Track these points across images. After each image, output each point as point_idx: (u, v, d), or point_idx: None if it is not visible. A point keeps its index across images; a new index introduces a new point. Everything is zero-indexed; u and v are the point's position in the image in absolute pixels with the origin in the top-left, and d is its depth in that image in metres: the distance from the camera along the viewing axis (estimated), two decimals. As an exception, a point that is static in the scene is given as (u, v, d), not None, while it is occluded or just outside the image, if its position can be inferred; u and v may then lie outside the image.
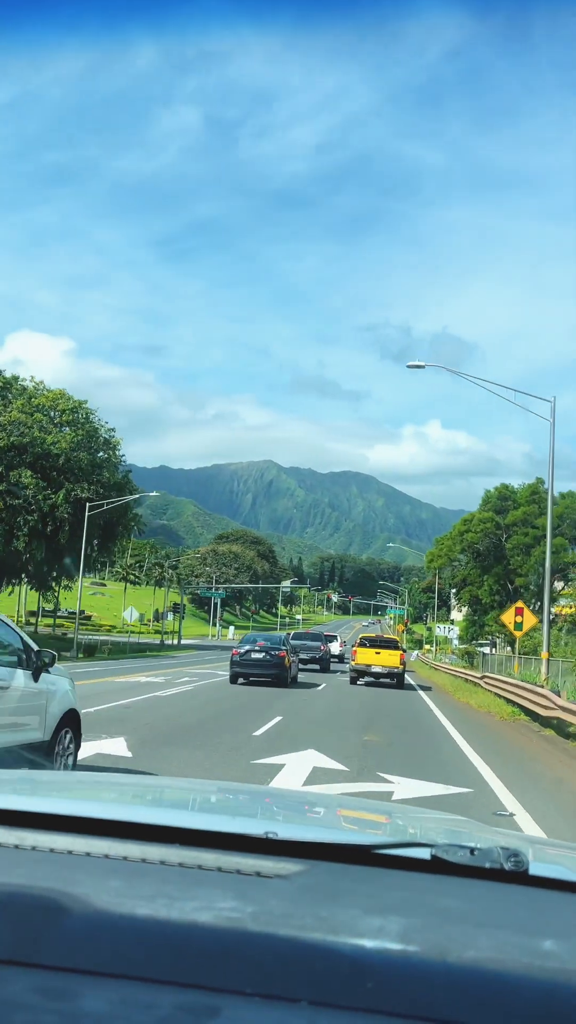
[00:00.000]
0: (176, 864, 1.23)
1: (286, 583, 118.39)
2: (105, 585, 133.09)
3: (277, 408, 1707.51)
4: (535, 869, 1.29)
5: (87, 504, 47.16)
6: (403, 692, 29.33)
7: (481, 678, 30.91)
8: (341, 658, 51.49)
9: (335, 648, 50.67)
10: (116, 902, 1.07)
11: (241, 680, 27.46)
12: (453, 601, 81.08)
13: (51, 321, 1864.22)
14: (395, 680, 30.58)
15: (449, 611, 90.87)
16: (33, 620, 72.31)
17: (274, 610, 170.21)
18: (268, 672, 26.98)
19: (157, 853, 1.26)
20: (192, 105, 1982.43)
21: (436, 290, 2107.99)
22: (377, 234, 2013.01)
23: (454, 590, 71.66)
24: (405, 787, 9.76)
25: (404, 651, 35.07)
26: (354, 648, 31.73)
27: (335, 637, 56.02)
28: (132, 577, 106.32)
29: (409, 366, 26.22)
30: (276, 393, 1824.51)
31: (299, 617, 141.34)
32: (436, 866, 1.28)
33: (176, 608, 77.78)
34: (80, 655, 44.22)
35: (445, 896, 1.19)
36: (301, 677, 31.49)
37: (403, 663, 31.25)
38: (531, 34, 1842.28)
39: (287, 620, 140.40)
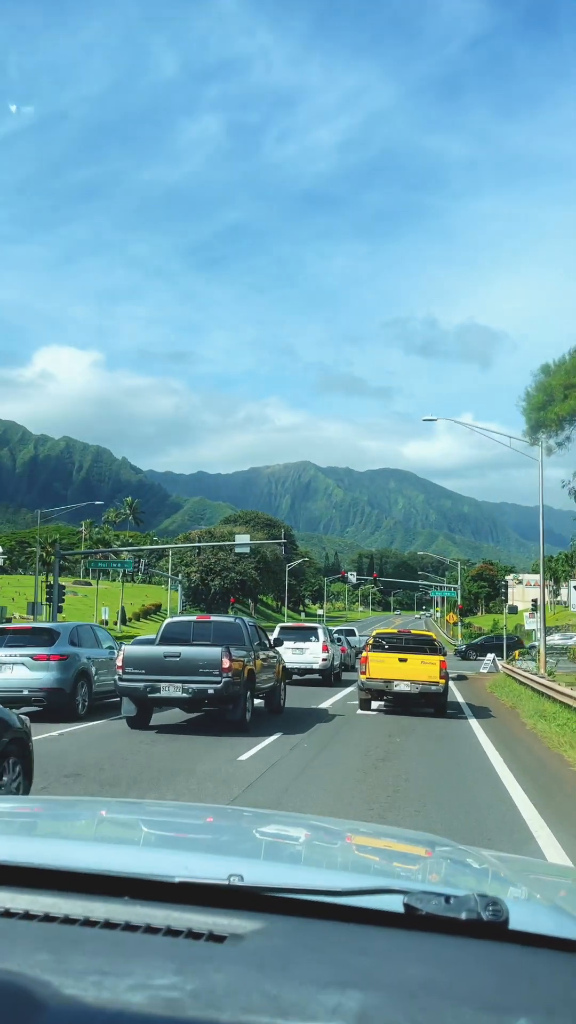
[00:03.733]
0: (122, 923, 1.12)
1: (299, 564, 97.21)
2: (90, 584, 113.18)
3: (308, 409, 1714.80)
4: (517, 919, 1.15)
5: None
6: (450, 729, 14.78)
7: None
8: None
9: (354, 640, 35.38)
10: (41, 984, 0.95)
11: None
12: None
13: (85, 334, 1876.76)
14: (432, 703, 17.39)
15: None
16: None
17: (301, 607, 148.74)
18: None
19: (103, 911, 1.15)
20: (215, 113, 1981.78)
21: (463, 281, 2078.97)
22: (405, 229, 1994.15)
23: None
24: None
25: (445, 655, 19.93)
26: (364, 653, 18.37)
27: (352, 631, 38.25)
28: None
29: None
30: (305, 394, 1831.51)
31: (320, 612, 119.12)
32: (408, 918, 1.15)
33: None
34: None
35: (414, 960, 1.08)
36: (294, 697, 18.52)
37: (444, 675, 17.58)
38: (555, 18, 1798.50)
39: (324, 617, 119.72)
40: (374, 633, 20.15)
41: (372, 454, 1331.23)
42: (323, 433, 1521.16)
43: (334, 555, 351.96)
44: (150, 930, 1.11)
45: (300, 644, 24.24)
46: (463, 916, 1.13)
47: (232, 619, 13.90)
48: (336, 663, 26.15)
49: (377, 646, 18.69)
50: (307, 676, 24.90)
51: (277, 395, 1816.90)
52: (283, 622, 27.67)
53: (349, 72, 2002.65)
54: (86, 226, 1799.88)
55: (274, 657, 15.31)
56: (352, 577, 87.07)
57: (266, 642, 14.99)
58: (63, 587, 46.81)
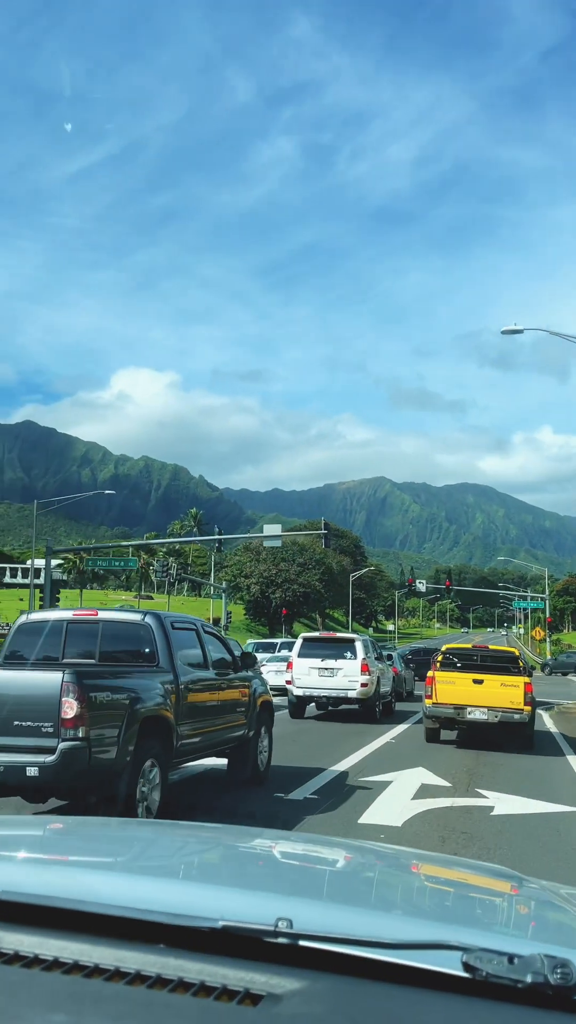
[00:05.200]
0: (153, 977, 1.03)
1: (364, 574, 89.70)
2: (152, 598, 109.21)
3: (381, 424, 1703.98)
4: None
5: None
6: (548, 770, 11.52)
7: None
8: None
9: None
10: None
11: None
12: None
13: (162, 356, 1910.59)
14: (515, 734, 14.34)
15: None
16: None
17: (374, 622, 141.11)
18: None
19: (135, 961, 1.06)
20: (288, 134, 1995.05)
21: (539, 292, 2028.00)
22: (479, 242, 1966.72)
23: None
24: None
25: (531, 675, 15.82)
26: (430, 673, 14.98)
27: (433, 651, 29.23)
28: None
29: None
30: (377, 409, 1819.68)
31: (391, 628, 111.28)
32: (466, 982, 1.02)
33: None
34: None
35: None
36: (309, 743, 14.05)
37: (530, 701, 14.24)
38: None
39: (395, 633, 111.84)
40: (444, 648, 16.75)
41: (448, 468, 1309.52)
42: (397, 448, 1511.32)
43: (410, 570, 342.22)
44: (182, 985, 1.02)
45: (329, 663, 17.84)
46: (528, 980, 0.99)
47: (140, 616, 7.58)
48: (385, 689, 19.48)
49: (447, 664, 15.66)
50: (341, 707, 18.56)
51: (350, 411, 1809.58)
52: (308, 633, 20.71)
53: (421, 87, 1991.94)
54: (163, 250, 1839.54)
55: (242, 684, 9.06)
56: (421, 586, 79.56)
57: (224, 656, 8.82)
58: (55, 592, 41.67)
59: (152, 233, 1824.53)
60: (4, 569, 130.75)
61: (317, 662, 17.79)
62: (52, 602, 31.19)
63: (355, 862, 2.02)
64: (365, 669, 17.65)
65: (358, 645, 18.22)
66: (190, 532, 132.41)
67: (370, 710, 18.04)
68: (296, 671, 18.01)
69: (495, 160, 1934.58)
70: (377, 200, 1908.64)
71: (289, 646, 29.09)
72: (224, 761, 9.16)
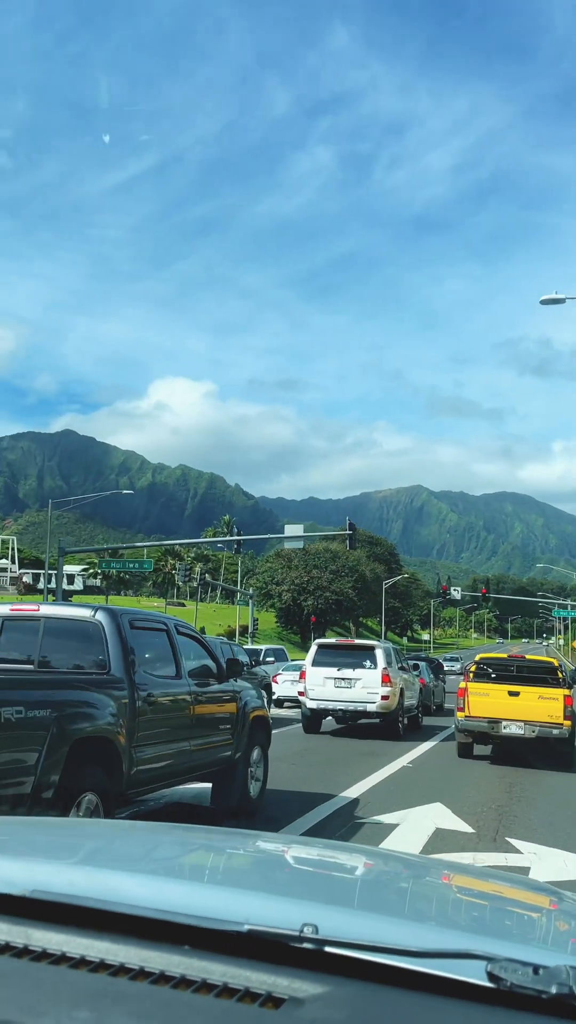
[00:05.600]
0: (177, 977, 1.04)
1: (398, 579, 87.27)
2: (184, 605, 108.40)
3: (417, 432, 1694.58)
4: None
5: None
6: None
7: None
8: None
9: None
10: None
11: None
12: None
13: (199, 366, 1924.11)
14: (554, 748, 13.36)
15: None
16: None
17: (409, 631, 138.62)
18: None
19: (160, 961, 1.07)
20: (326, 144, 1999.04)
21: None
22: (518, 249, 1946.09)
23: None
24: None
25: (571, 687, 14.60)
26: (462, 684, 14.22)
27: (457, 659, 28.17)
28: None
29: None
30: (414, 417, 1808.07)
31: (426, 637, 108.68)
32: (492, 991, 1.02)
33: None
34: None
35: None
36: (321, 759, 13.07)
37: (571, 715, 13.20)
38: None
39: (432, 643, 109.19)
40: (476, 658, 15.79)
41: (486, 477, 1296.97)
42: (434, 457, 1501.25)
43: (446, 579, 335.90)
44: (205, 986, 1.03)
45: (347, 673, 16.31)
46: (553, 991, 0.97)
47: (90, 612, 6.10)
48: (410, 702, 17.98)
49: (480, 675, 14.81)
50: (361, 721, 17.06)
51: (385, 419, 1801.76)
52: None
53: (460, 95, 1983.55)
54: (201, 261, 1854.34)
55: (228, 696, 7.68)
56: (456, 593, 77.30)
57: (206, 663, 7.45)
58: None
59: (191, 243, 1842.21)
60: (38, 575, 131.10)
61: (333, 671, 16.29)
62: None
63: (381, 870, 2.01)
64: (386, 680, 16.08)
65: (378, 653, 16.58)
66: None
67: (392, 725, 16.48)
68: (310, 681, 16.53)
69: (535, 166, 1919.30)
70: (415, 208, 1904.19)
71: (275, 653, 27.55)
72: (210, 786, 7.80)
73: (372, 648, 16.86)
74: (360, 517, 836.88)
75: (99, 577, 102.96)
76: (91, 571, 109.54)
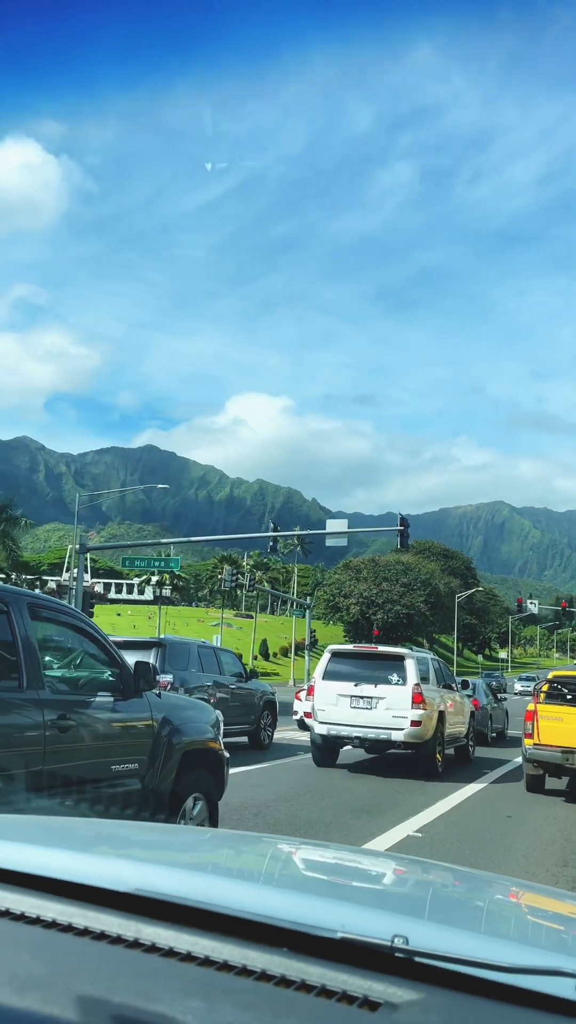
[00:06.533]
0: (277, 977, 1.08)
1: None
2: (251, 616, 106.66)
3: (497, 447, 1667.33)
4: None
5: None
6: None
7: None
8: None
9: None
10: None
11: None
12: None
13: (276, 381, 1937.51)
14: None
15: None
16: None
17: (487, 649, 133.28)
18: None
19: (261, 961, 1.11)
20: (407, 160, 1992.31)
21: None
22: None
23: None
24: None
25: None
26: (531, 706, 12.28)
27: (532, 679, 26.05)
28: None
29: None
30: (494, 432, 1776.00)
31: (503, 656, 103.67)
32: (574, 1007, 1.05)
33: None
34: None
35: None
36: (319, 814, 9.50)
37: None
38: None
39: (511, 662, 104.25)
40: (550, 676, 14.05)
41: (570, 493, 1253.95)
42: (515, 472, 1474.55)
43: (527, 597, 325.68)
44: (304, 987, 1.06)
45: (366, 689, 12.86)
46: None
47: None
48: (456, 728, 14.61)
49: (553, 695, 13.22)
50: (390, 752, 14.15)
51: (465, 434, 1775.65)
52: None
53: (546, 106, 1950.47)
54: (281, 278, 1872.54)
55: (131, 719, 5.15)
56: (533, 607, 73.19)
57: (101, 670, 5.12)
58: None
59: (271, 261, 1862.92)
60: (109, 585, 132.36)
61: (349, 687, 12.89)
62: (86, 608, 28.18)
63: (467, 887, 2.07)
64: (418, 700, 12.55)
65: (408, 665, 12.86)
66: (292, 551, 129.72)
67: (428, 759, 12.97)
68: (319, 699, 13.11)
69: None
70: (498, 221, 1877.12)
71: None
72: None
73: (401, 658, 13.13)
74: (439, 533, 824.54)
75: (168, 587, 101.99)
76: (144, 578, 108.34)
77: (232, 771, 8.41)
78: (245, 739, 15.94)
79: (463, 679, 16.80)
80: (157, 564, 39.66)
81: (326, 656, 13.70)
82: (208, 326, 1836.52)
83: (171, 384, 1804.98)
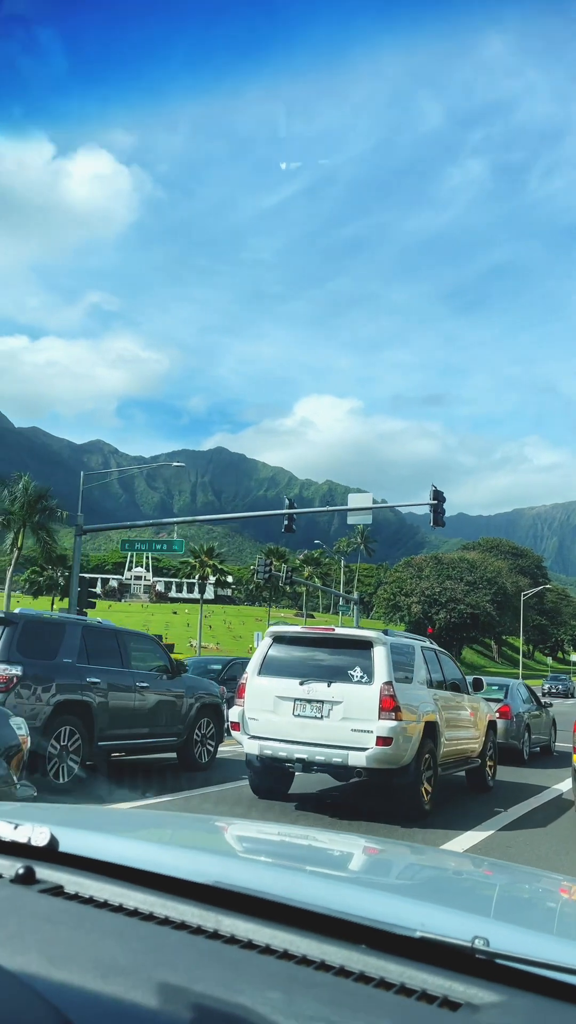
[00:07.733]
0: (356, 973, 1.08)
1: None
2: (313, 617, 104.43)
3: (571, 447, 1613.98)
4: None
5: None
6: None
7: None
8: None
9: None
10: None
11: None
12: None
13: (345, 383, 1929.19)
14: None
15: None
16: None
17: (560, 652, 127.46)
18: None
19: (339, 957, 1.11)
20: (478, 156, 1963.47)
21: None
22: None
23: None
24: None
25: None
26: None
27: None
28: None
29: None
30: (568, 432, 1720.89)
31: (574, 658, 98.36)
32: None
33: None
34: None
35: None
36: None
37: None
38: None
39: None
40: None
41: None
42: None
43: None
44: (383, 984, 1.06)
45: (316, 689, 8.90)
46: None
47: None
48: (467, 746, 10.79)
49: None
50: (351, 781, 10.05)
51: (537, 434, 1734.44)
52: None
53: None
54: (350, 279, 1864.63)
55: None
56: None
57: None
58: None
59: (340, 263, 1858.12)
60: (170, 583, 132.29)
61: (292, 686, 9.05)
62: (84, 601, 25.84)
63: (547, 890, 2.07)
64: (389, 705, 8.53)
65: (377, 654, 8.87)
66: (356, 548, 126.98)
67: (408, 792, 8.82)
68: (251, 703, 9.32)
69: None
70: (572, 216, 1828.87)
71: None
72: None
73: (367, 644, 9.04)
74: (512, 534, 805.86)
75: (222, 587, 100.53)
76: (230, 583, 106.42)
77: (129, 805, 8.40)
78: (173, 755, 11.91)
79: (475, 678, 12.10)
80: (159, 547, 37.81)
81: (266, 641, 9.78)
82: (277, 329, 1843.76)
83: (240, 387, 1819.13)
